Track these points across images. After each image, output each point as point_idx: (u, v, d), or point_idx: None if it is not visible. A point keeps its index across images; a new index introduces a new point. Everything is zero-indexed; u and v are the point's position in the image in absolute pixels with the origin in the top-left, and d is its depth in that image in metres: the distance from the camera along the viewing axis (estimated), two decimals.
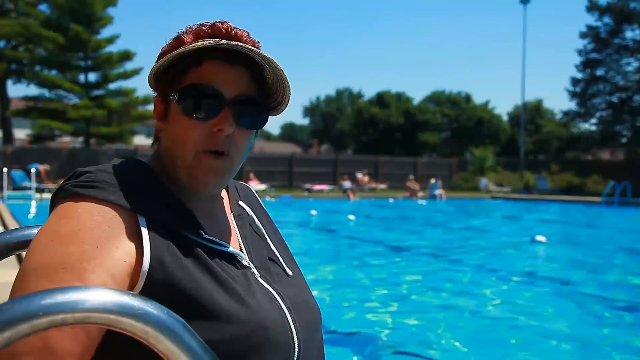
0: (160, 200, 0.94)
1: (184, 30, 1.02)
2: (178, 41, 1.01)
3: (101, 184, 0.89)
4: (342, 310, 5.00)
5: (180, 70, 0.99)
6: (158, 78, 1.01)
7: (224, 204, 1.13)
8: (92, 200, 0.87)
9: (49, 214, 0.92)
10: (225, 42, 0.94)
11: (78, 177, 0.92)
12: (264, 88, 1.04)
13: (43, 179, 21.22)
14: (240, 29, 1.02)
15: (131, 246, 0.87)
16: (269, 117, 1.07)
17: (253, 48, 0.96)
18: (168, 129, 1.01)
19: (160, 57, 1.02)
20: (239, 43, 0.95)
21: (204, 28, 1.00)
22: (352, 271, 7.07)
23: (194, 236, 0.95)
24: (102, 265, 0.83)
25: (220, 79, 0.98)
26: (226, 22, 1.01)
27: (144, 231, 0.89)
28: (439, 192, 25.81)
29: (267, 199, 21.31)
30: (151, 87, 1.05)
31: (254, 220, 1.15)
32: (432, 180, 26.84)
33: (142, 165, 1.00)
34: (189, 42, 0.99)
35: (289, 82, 1.01)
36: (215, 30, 0.99)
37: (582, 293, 6.03)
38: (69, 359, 0.78)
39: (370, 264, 7.60)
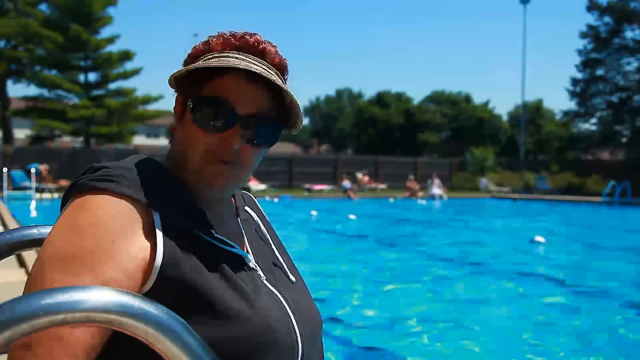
0: (175, 199, 0.96)
1: (216, 35, 1.03)
2: (206, 46, 1.02)
3: (118, 179, 0.90)
4: (343, 310, 5.01)
5: (201, 79, 1.00)
6: (179, 81, 1.03)
7: (231, 208, 1.14)
8: (110, 193, 0.88)
9: (61, 209, 0.93)
10: (242, 65, 0.95)
11: (95, 171, 0.93)
12: (282, 103, 1.04)
13: (45, 178, 21.11)
14: (269, 44, 1.03)
15: (145, 242, 0.88)
16: (288, 133, 1.09)
17: (267, 75, 0.96)
18: (182, 132, 1.02)
19: (190, 55, 1.04)
20: (252, 69, 0.95)
21: (232, 39, 1.01)
22: (353, 271, 7.07)
23: (205, 235, 0.96)
24: (115, 260, 0.84)
25: (237, 94, 0.99)
26: (256, 34, 1.02)
27: (158, 227, 0.90)
28: (438, 191, 25.82)
29: (267, 199, 21.32)
30: (171, 87, 1.06)
31: (259, 226, 1.16)
32: (429, 181, 26.89)
33: (157, 163, 1.02)
34: (216, 49, 1.01)
35: (301, 111, 1.03)
36: (243, 43, 1.01)
37: (581, 293, 6.03)
38: (79, 348, 0.79)
39: (370, 263, 7.60)
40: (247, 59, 0.99)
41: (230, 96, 0.98)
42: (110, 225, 0.86)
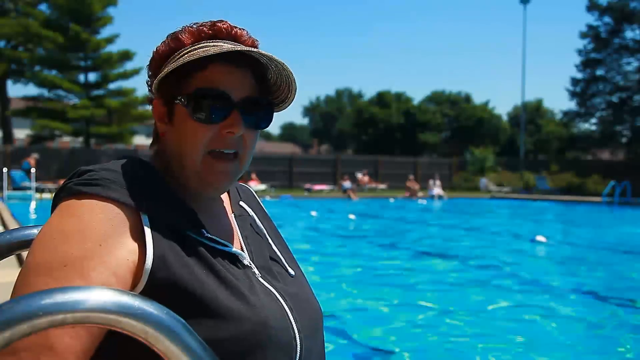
0: (163, 199, 0.95)
1: (181, 30, 1.02)
2: (176, 41, 1.00)
3: (104, 182, 0.89)
4: (343, 310, 5.00)
5: (184, 74, 0.98)
6: (158, 82, 1.01)
7: (225, 205, 1.13)
8: (96, 198, 0.87)
9: (51, 213, 0.91)
10: (232, 47, 0.95)
11: (80, 175, 0.92)
12: (266, 85, 1.05)
13: (34, 169, 20.50)
14: (239, 28, 1.03)
15: (134, 244, 0.87)
16: (276, 112, 1.08)
17: (265, 53, 0.96)
18: (174, 132, 1.01)
19: (156, 56, 1.03)
20: (252, 49, 0.96)
21: (204, 29, 1.00)
22: (353, 271, 7.07)
23: (196, 235, 0.95)
24: (104, 264, 0.83)
25: (227, 81, 0.98)
26: (225, 21, 1.02)
27: (147, 229, 0.89)
28: (438, 191, 25.82)
29: (267, 199, 21.30)
30: (152, 91, 1.04)
31: (254, 220, 1.15)
32: (430, 181, 26.89)
33: (144, 164, 1.00)
34: (188, 43, 0.99)
35: (296, 82, 1.02)
36: (216, 31, 1.00)
37: (582, 293, 6.03)
38: (69, 355, 0.78)
39: (370, 263, 7.60)
40: (227, 44, 0.98)
41: (221, 84, 0.98)
42: (97, 230, 0.84)
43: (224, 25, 1.00)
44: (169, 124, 1.01)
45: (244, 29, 1.03)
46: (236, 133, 0.97)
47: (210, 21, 1.02)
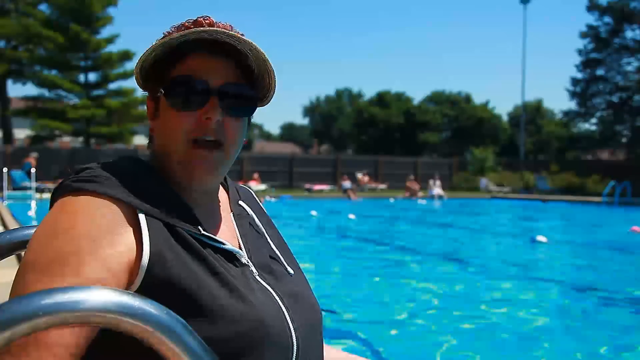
0: (160, 196, 0.95)
1: (169, 30, 1.03)
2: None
3: (101, 179, 0.90)
4: (342, 310, 5.00)
5: (165, 67, 1.00)
6: (146, 78, 1.03)
7: (224, 204, 1.13)
8: (92, 194, 0.88)
9: (49, 210, 0.92)
10: (201, 29, 0.95)
11: (78, 173, 0.92)
12: (251, 78, 1.04)
13: (34, 169, 20.39)
14: (223, 23, 1.02)
15: (131, 241, 0.87)
16: (261, 107, 1.08)
17: (232, 32, 0.96)
18: (159, 125, 1.01)
19: None
20: (216, 29, 0.95)
21: (186, 24, 1.01)
22: (352, 271, 7.07)
23: (193, 233, 0.95)
24: (99, 259, 0.83)
25: (205, 69, 0.99)
26: (209, 17, 1.02)
27: (144, 226, 0.88)
28: (438, 191, 25.82)
29: (267, 199, 21.30)
30: (140, 87, 1.06)
31: (253, 219, 1.15)
32: (431, 181, 26.89)
33: (141, 162, 1.01)
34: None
35: (273, 67, 1.01)
36: (197, 25, 1.00)
37: (582, 293, 6.03)
38: (58, 349, 0.77)
39: (370, 264, 7.60)
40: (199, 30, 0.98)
41: (199, 73, 0.98)
42: (92, 226, 0.84)
43: (207, 20, 1.00)
44: (156, 119, 1.02)
45: (228, 24, 1.03)
46: (214, 118, 0.97)
47: (195, 18, 1.02)
